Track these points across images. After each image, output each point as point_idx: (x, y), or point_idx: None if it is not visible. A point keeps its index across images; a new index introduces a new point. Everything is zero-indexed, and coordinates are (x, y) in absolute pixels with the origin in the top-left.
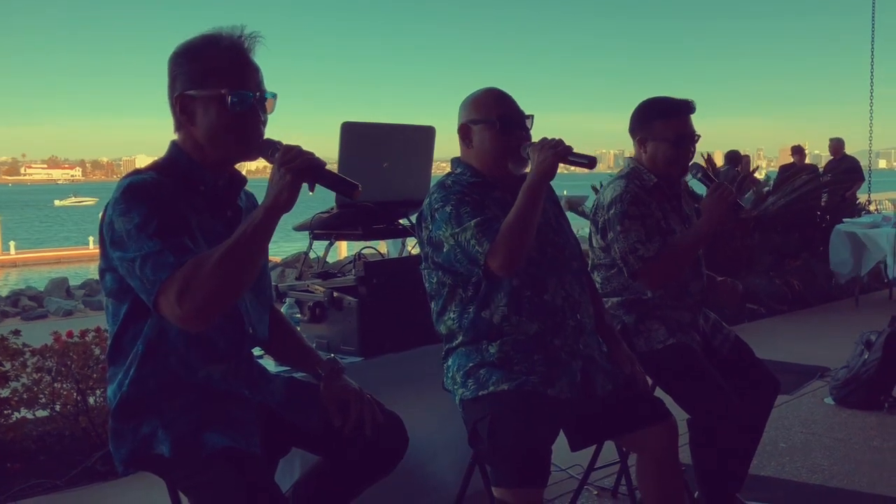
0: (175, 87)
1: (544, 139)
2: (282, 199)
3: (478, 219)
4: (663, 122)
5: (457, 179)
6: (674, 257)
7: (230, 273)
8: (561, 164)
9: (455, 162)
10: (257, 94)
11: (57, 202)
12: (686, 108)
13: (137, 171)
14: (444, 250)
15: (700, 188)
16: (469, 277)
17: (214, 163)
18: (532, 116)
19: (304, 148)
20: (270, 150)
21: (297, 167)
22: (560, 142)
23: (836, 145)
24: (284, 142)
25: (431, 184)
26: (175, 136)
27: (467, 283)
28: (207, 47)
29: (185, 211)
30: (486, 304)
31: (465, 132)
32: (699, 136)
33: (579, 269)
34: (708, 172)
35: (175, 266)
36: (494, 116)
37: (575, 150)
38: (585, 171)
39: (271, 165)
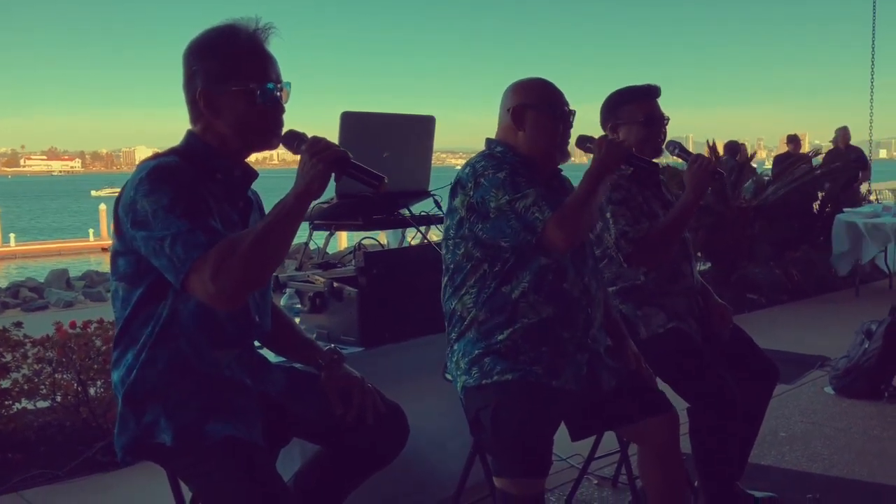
0: (195, 82)
1: (606, 136)
2: (314, 188)
3: (539, 188)
4: (632, 105)
5: (504, 154)
6: (664, 233)
7: (263, 255)
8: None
9: (493, 142)
10: (279, 85)
11: (93, 192)
12: (652, 91)
13: (160, 155)
14: (492, 217)
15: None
16: (503, 252)
17: (235, 152)
18: (575, 112)
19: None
20: (297, 141)
21: (328, 157)
22: (624, 141)
23: (845, 134)
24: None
25: (432, 174)
26: (191, 127)
27: (497, 258)
28: (226, 41)
29: (206, 196)
30: (508, 279)
31: (519, 114)
32: (668, 119)
33: (595, 264)
34: (685, 147)
35: (207, 245)
36: (555, 104)
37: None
38: (585, 161)
39: (275, 156)
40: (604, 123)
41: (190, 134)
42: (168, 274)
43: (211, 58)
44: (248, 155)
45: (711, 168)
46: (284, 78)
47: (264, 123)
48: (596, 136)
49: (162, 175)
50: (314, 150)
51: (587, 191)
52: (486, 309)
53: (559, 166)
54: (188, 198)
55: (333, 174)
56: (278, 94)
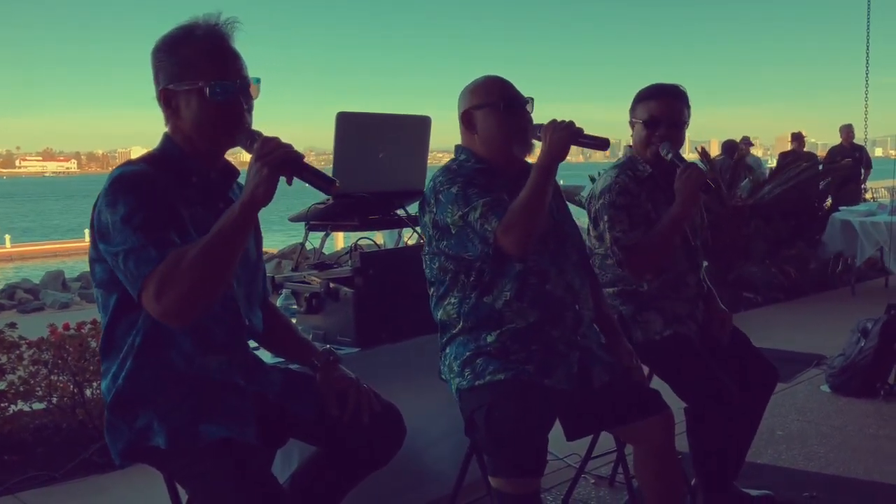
0: (158, 81)
1: (554, 120)
2: (259, 194)
3: (487, 198)
4: (641, 104)
5: (462, 164)
6: (653, 245)
7: (208, 268)
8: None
9: (459, 149)
10: (237, 81)
11: None
12: (664, 91)
13: (129, 163)
14: (453, 232)
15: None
16: (473, 263)
17: (204, 153)
18: (532, 99)
19: (284, 140)
20: (249, 140)
21: (274, 160)
22: (572, 123)
23: (849, 132)
24: (267, 133)
25: (428, 174)
26: (165, 128)
27: (470, 268)
28: (184, 39)
29: (175, 203)
30: (488, 290)
31: (468, 119)
32: (686, 123)
33: (580, 259)
34: (679, 154)
35: (157, 261)
36: (498, 99)
37: (586, 132)
38: (581, 160)
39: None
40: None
41: (165, 137)
42: (128, 288)
43: (169, 56)
44: (220, 155)
45: (701, 180)
46: (257, 74)
47: (219, 121)
48: (545, 125)
49: (124, 185)
50: (261, 152)
51: (535, 186)
52: (471, 319)
53: (527, 161)
54: (146, 210)
55: (285, 178)
56: (239, 89)
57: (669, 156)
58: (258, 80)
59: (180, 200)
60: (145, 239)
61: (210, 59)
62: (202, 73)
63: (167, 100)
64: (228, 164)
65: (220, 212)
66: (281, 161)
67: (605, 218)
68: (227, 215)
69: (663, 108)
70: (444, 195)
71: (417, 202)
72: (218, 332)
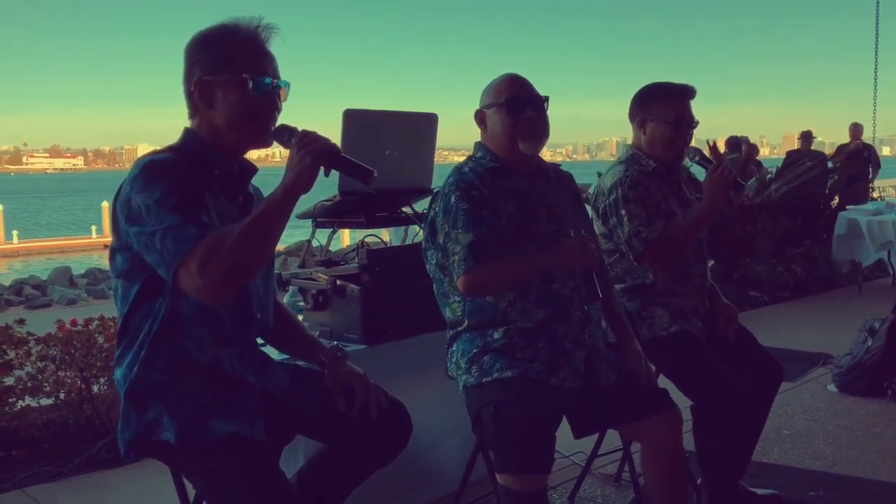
0: (193, 73)
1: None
2: (301, 181)
3: (470, 238)
4: (664, 103)
5: (474, 167)
6: (677, 237)
7: (251, 248)
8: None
9: (477, 146)
10: (275, 81)
11: None
12: (686, 92)
13: (155, 152)
14: (439, 240)
15: (701, 176)
16: None
17: (229, 148)
18: (546, 98)
19: (320, 134)
20: (287, 135)
21: (317, 151)
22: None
23: (857, 130)
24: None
25: (434, 171)
26: (189, 124)
27: None
28: (226, 36)
29: (201, 191)
30: None
31: (480, 117)
32: (697, 123)
33: None
34: (705, 155)
35: (197, 238)
36: (503, 99)
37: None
38: (587, 158)
39: (277, 153)
40: (632, 116)
41: (187, 131)
42: (160, 269)
43: (209, 50)
44: (244, 152)
45: (731, 179)
46: (286, 78)
47: (256, 116)
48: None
49: (156, 171)
50: (302, 143)
51: (532, 268)
52: (476, 317)
53: (541, 158)
54: (180, 193)
55: (322, 168)
56: (273, 89)
57: (696, 158)
58: (288, 84)
59: (205, 189)
60: (182, 218)
61: (253, 56)
62: (244, 67)
63: (203, 90)
64: (246, 160)
65: (240, 204)
66: (322, 151)
67: (622, 213)
68: (268, 200)
69: (687, 109)
70: (444, 201)
71: (424, 199)
72: (228, 322)
